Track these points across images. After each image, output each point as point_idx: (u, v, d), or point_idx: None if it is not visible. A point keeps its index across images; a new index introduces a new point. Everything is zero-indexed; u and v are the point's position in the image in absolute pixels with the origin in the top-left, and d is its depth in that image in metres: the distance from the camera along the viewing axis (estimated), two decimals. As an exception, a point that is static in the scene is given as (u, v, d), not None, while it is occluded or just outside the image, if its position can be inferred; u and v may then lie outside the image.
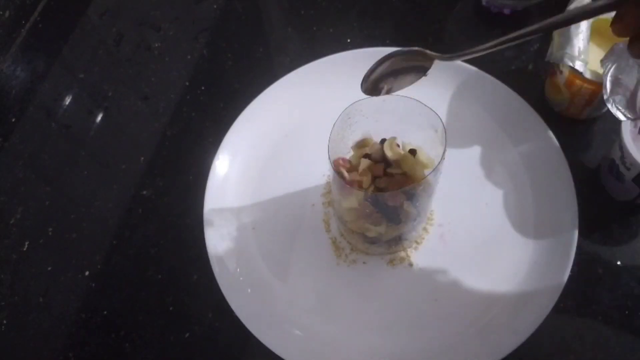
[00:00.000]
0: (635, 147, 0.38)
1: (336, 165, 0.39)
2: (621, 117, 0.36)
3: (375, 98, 0.38)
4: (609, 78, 0.36)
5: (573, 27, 0.42)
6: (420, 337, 0.41)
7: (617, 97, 0.36)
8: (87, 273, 0.46)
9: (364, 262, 0.44)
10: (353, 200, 0.38)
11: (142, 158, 0.52)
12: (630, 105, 0.35)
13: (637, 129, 0.39)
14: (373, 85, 0.34)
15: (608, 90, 0.36)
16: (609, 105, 0.36)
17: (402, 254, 0.45)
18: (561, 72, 0.46)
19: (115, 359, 0.43)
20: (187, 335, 0.43)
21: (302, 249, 0.45)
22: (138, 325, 0.44)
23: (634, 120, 0.36)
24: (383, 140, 0.40)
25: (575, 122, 0.50)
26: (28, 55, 0.59)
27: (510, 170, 0.47)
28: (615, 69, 0.35)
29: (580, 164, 0.47)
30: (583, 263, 0.42)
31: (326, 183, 0.48)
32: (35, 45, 0.60)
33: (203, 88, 0.56)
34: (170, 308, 0.44)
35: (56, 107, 0.57)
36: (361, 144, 0.41)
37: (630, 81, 0.35)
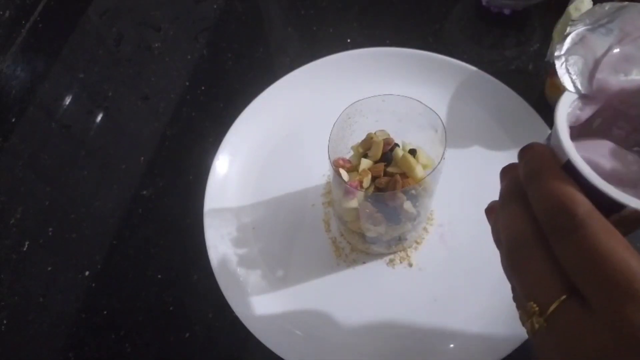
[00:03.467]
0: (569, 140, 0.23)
1: (336, 165, 0.39)
2: (569, 85, 0.24)
3: (375, 98, 0.38)
4: (573, 35, 0.25)
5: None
6: (420, 337, 0.41)
7: (574, 58, 0.25)
8: (87, 273, 0.46)
9: (363, 262, 0.44)
10: (353, 200, 0.38)
11: (142, 158, 0.52)
12: (587, 75, 0.24)
13: (576, 117, 0.24)
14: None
15: (565, 47, 0.25)
16: (558, 65, 0.24)
17: (402, 254, 0.45)
18: (561, 72, 0.46)
19: (115, 359, 0.43)
20: (187, 335, 0.43)
21: (302, 249, 0.45)
22: (138, 325, 0.44)
23: (581, 97, 0.24)
24: (393, 148, 0.40)
25: (575, 122, 0.50)
26: (28, 55, 0.59)
27: (510, 170, 0.47)
28: (586, 29, 0.25)
29: (580, 164, 0.47)
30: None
31: (326, 183, 0.48)
32: (35, 45, 0.60)
33: (203, 88, 0.56)
34: (170, 308, 0.44)
35: (56, 107, 0.57)
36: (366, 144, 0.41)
37: (600, 45, 0.24)
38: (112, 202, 0.50)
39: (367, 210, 0.38)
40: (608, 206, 0.20)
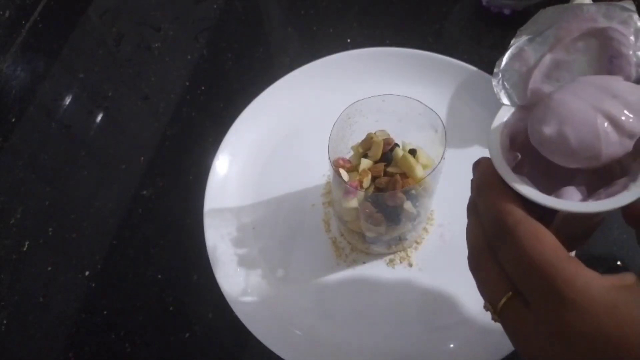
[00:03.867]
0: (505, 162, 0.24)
1: (336, 165, 0.39)
2: (504, 99, 0.25)
3: (375, 98, 0.38)
4: (512, 49, 0.26)
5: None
6: (420, 337, 0.41)
7: (510, 72, 0.25)
8: (87, 273, 0.46)
9: (364, 262, 0.44)
10: (353, 200, 0.38)
11: (142, 158, 0.52)
12: (520, 85, 0.25)
13: (517, 128, 0.25)
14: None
15: (502, 63, 0.25)
16: (494, 82, 0.25)
17: (402, 254, 0.45)
18: (561, 72, 0.46)
19: (115, 359, 0.43)
20: (187, 335, 0.43)
21: (302, 249, 0.45)
22: (138, 325, 0.44)
23: (519, 108, 0.25)
24: (393, 148, 0.40)
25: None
26: (28, 55, 0.59)
27: (510, 170, 0.47)
28: (526, 40, 0.25)
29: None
30: (583, 263, 0.42)
31: (326, 183, 0.48)
32: (35, 45, 0.60)
33: (203, 88, 0.56)
34: (170, 308, 0.44)
35: (56, 107, 0.57)
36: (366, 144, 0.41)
37: (533, 56, 0.25)
38: (112, 202, 0.50)
39: (367, 210, 0.38)
40: (547, 209, 0.22)
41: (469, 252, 0.26)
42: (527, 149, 0.24)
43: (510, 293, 0.22)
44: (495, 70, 0.26)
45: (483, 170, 0.24)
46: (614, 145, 0.21)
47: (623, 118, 0.21)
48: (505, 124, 0.25)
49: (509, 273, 0.22)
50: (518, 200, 0.22)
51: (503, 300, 0.22)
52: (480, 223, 0.24)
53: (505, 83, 0.25)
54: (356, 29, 0.59)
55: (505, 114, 0.25)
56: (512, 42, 0.26)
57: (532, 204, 0.22)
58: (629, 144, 0.21)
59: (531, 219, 0.21)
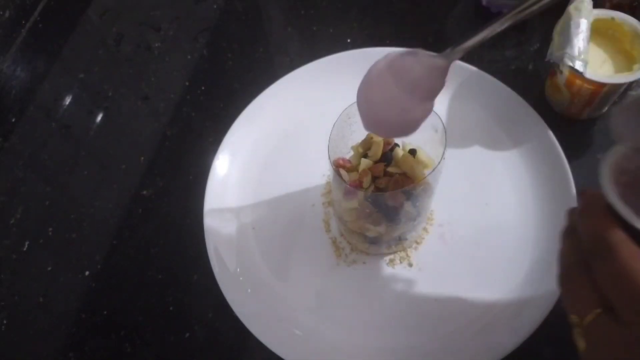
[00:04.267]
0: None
1: (336, 165, 0.39)
2: (618, 139, 0.27)
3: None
4: (635, 94, 0.30)
5: (573, 27, 0.42)
6: (420, 337, 0.41)
7: (630, 117, 0.27)
8: (87, 273, 0.46)
9: (364, 262, 0.44)
10: (353, 200, 0.38)
11: (142, 158, 0.52)
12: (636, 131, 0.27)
13: (623, 167, 0.27)
14: None
15: (625, 107, 0.28)
16: (613, 122, 0.28)
17: (402, 254, 0.45)
18: (561, 72, 0.46)
19: (115, 359, 0.43)
20: (187, 335, 0.43)
21: (302, 249, 0.45)
22: (138, 325, 0.44)
23: (631, 150, 0.27)
24: (393, 148, 0.40)
25: (575, 122, 0.50)
26: (28, 55, 0.59)
27: (510, 170, 0.47)
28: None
29: (580, 164, 0.47)
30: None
31: (326, 183, 0.48)
32: (35, 45, 0.60)
33: (203, 88, 0.56)
34: (170, 308, 0.44)
35: (56, 107, 0.57)
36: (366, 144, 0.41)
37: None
38: (112, 202, 0.50)
39: (367, 210, 0.38)
40: None
41: (561, 271, 0.27)
42: (631, 188, 0.26)
43: (600, 309, 0.23)
44: (616, 111, 0.28)
45: (589, 198, 0.26)
46: (415, 123, 0.32)
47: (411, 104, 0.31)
48: (615, 159, 0.27)
49: (604, 289, 0.23)
50: (621, 225, 0.24)
51: (591, 316, 0.23)
52: (576, 245, 0.26)
53: (623, 125, 0.27)
54: (356, 29, 0.59)
55: (617, 151, 0.27)
56: (632, 92, 0.30)
57: (634, 234, 0.23)
58: (430, 106, 0.31)
59: (632, 242, 0.23)
